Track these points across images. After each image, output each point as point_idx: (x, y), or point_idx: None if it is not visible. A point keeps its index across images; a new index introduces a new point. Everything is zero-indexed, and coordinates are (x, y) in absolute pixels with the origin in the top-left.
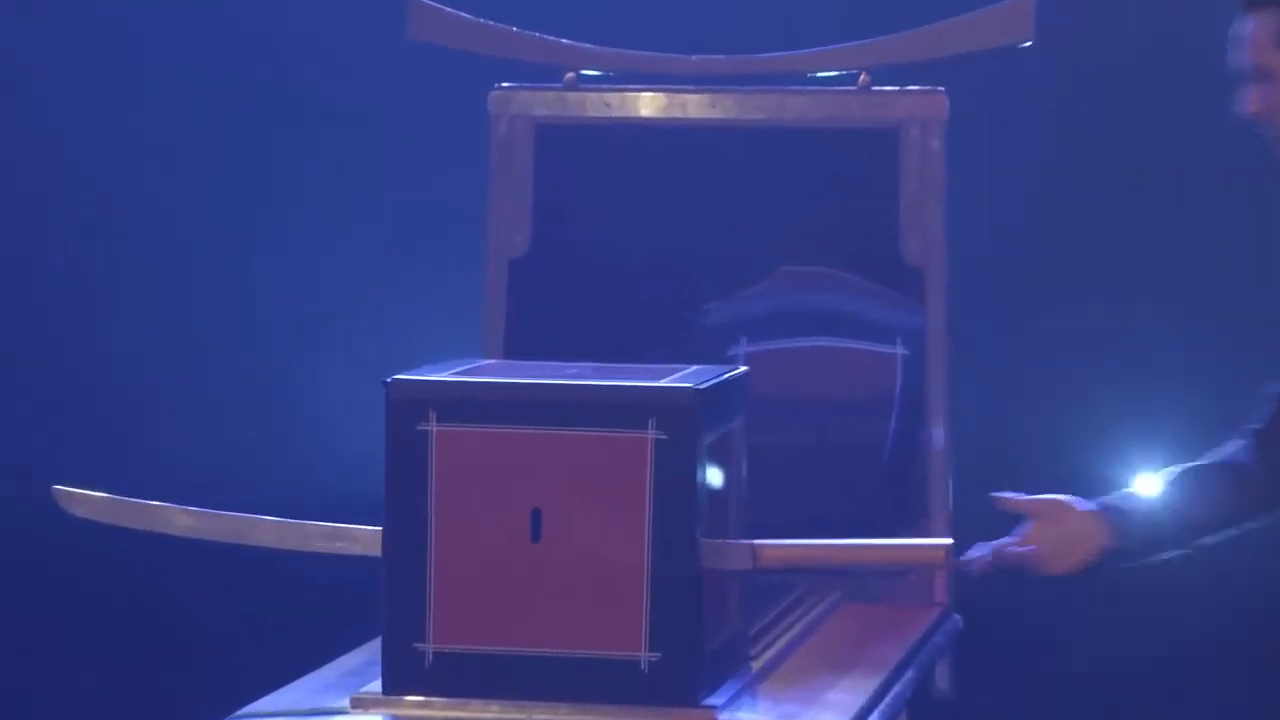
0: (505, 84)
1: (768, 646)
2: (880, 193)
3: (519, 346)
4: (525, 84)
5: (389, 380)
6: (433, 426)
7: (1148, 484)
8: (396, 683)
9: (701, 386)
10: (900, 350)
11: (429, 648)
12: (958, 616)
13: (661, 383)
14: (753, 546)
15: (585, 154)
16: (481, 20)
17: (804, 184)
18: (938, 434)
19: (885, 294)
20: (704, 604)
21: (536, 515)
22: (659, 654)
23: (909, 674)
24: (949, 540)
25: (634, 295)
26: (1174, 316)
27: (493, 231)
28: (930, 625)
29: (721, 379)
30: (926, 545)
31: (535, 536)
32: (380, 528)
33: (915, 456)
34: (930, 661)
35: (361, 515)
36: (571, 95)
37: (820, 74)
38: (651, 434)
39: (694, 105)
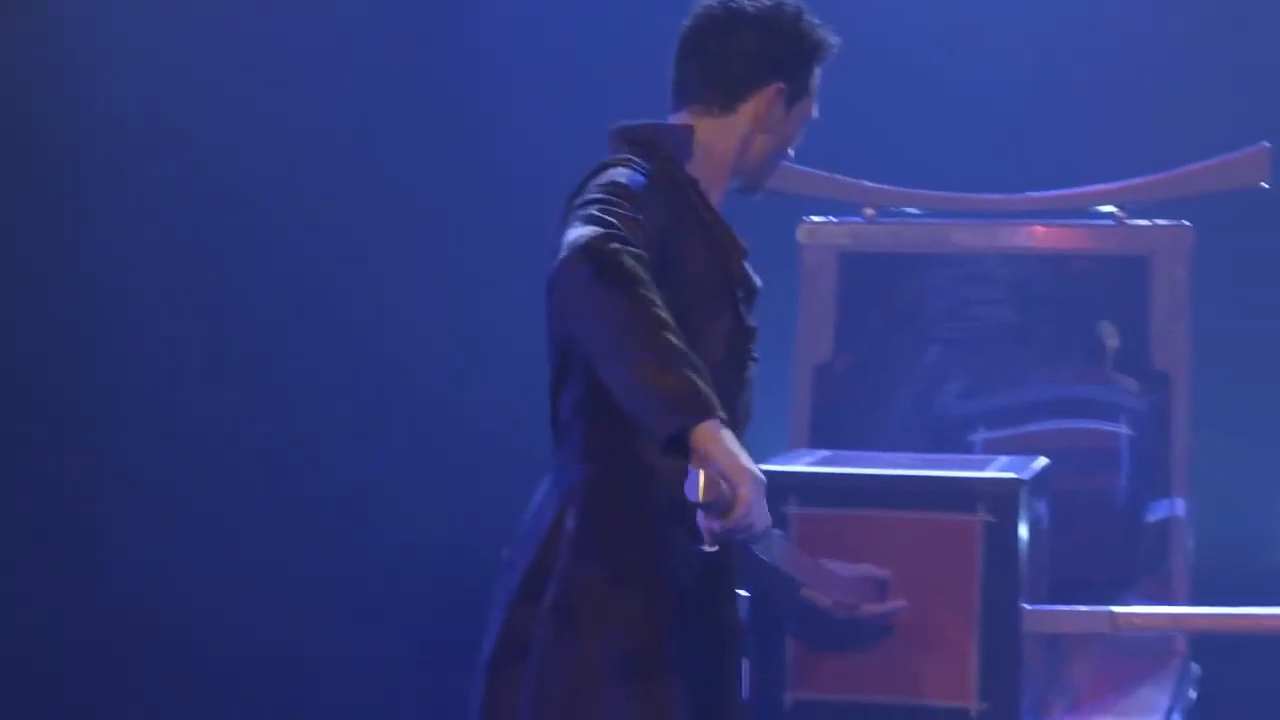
0: (812, 217)
1: (1058, 696)
2: (1134, 310)
3: (820, 436)
4: (830, 218)
5: None
6: (794, 509)
7: None
8: None
9: (1023, 476)
10: (1124, 429)
11: (789, 696)
12: (1195, 665)
13: (988, 473)
14: (1111, 613)
15: (879, 277)
16: (794, 165)
17: (1065, 303)
18: (1179, 504)
19: (1109, 378)
20: (1023, 662)
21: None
22: (987, 704)
23: (1177, 717)
24: None
25: (909, 395)
26: None
27: (801, 342)
28: (1179, 673)
29: (1036, 469)
30: (1268, 615)
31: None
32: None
33: (1144, 523)
34: (1185, 706)
35: None
36: (869, 228)
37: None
38: (981, 517)
39: (972, 236)
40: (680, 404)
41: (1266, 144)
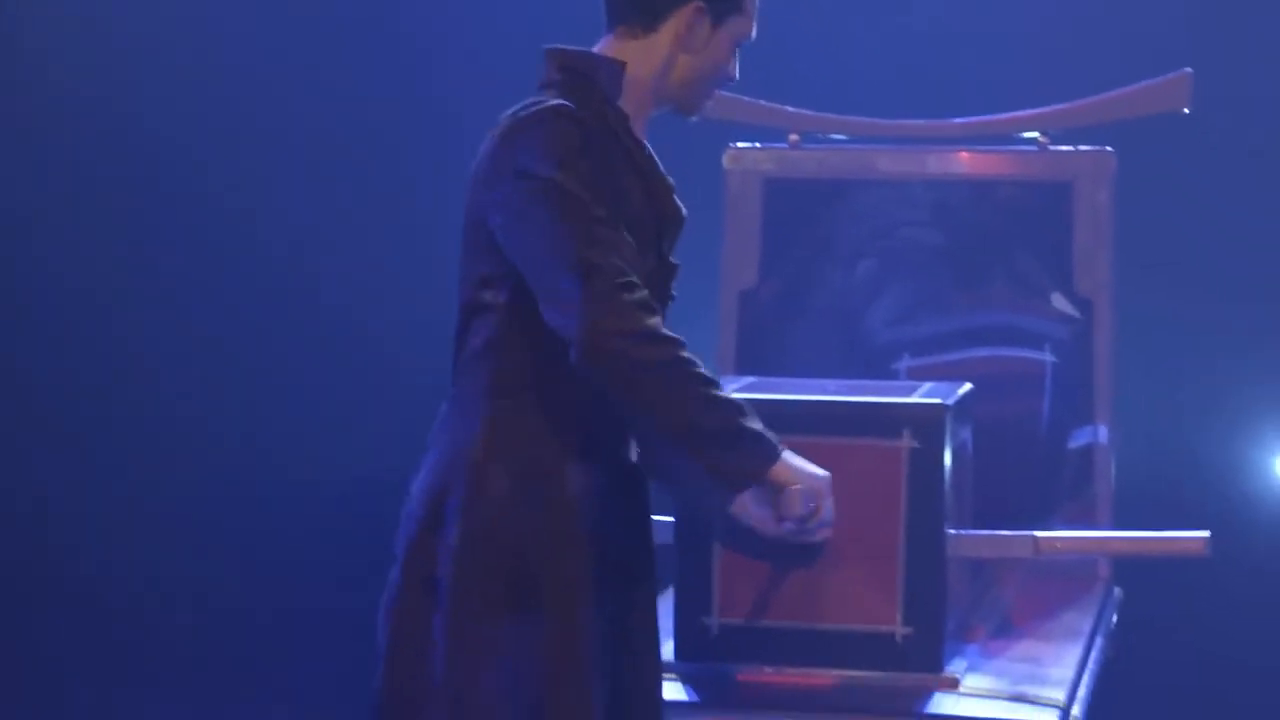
0: (738, 144)
1: (982, 620)
2: (1057, 236)
3: (746, 362)
4: (755, 144)
5: None
6: None
7: None
8: (687, 650)
9: (948, 401)
10: (1048, 356)
11: (715, 621)
12: (1118, 589)
13: (913, 398)
14: (1034, 538)
15: (804, 203)
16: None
17: (989, 229)
18: (1102, 430)
19: (1035, 307)
20: (947, 586)
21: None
22: (911, 628)
23: (1099, 641)
24: (1206, 533)
25: (834, 321)
26: None
27: (726, 268)
28: (1102, 597)
29: (960, 395)
30: (1187, 538)
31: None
32: (672, 519)
33: (1068, 449)
34: (1108, 630)
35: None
36: (794, 154)
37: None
38: (906, 442)
39: (897, 162)
40: (751, 471)
41: (1188, 69)
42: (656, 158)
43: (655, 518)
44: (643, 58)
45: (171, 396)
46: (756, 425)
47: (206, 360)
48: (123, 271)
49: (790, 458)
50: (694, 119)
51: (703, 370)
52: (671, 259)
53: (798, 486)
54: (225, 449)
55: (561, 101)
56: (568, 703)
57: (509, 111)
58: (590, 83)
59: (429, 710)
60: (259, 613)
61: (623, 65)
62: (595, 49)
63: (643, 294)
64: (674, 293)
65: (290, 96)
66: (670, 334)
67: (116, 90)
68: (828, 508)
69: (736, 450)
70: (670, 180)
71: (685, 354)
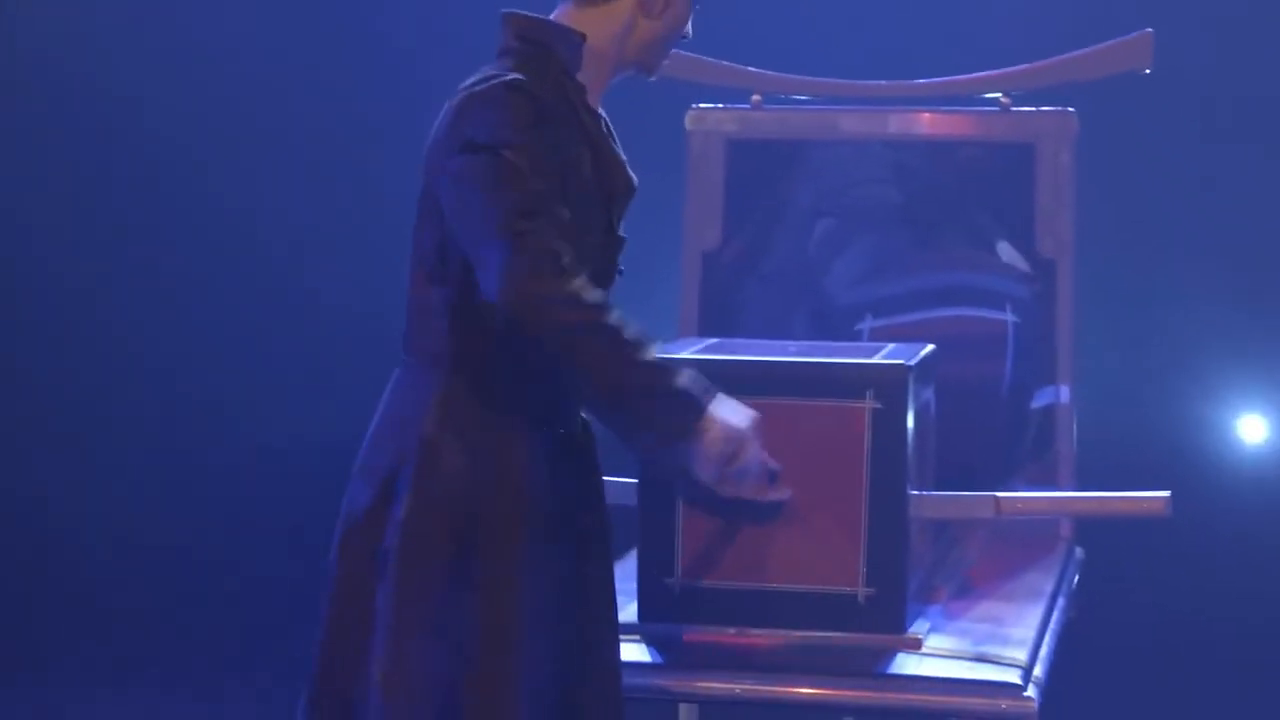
0: (700, 104)
1: (945, 581)
2: (1019, 197)
3: (709, 323)
4: (717, 105)
5: None
6: None
7: None
8: (649, 611)
9: (910, 362)
10: (1010, 317)
11: (677, 582)
12: (1079, 549)
13: (875, 359)
14: (996, 499)
15: (767, 164)
16: (681, 51)
17: (951, 190)
18: (1064, 391)
19: (997, 268)
20: (909, 547)
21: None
22: (873, 589)
23: (1061, 601)
24: (1167, 493)
25: (797, 282)
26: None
27: (688, 229)
28: (1064, 558)
29: (922, 356)
30: (1148, 498)
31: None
32: (635, 480)
33: (1030, 409)
34: (1069, 590)
35: None
36: (756, 114)
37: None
38: (868, 403)
39: (859, 123)
40: (677, 426)
41: (1150, 29)
42: (612, 129)
43: (618, 480)
44: (603, 25)
45: (172, 396)
46: (682, 383)
47: (207, 360)
48: (121, 270)
49: (716, 411)
50: (653, 78)
51: (627, 334)
52: (620, 232)
53: (712, 434)
54: (225, 450)
55: (516, 76)
56: (492, 681)
57: (466, 83)
58: (549, 53)
59: (363, 683)
60: (260, 613)
61: (583, 37)
62: (554, 15)
63: (569, 261)
64: (621, 266)
65: (286, 94)
66: (595, 299)
67: (114, 90)
68: (749, 456)
69: (661, 408)
70: (622, 154)
71: (610, 318)
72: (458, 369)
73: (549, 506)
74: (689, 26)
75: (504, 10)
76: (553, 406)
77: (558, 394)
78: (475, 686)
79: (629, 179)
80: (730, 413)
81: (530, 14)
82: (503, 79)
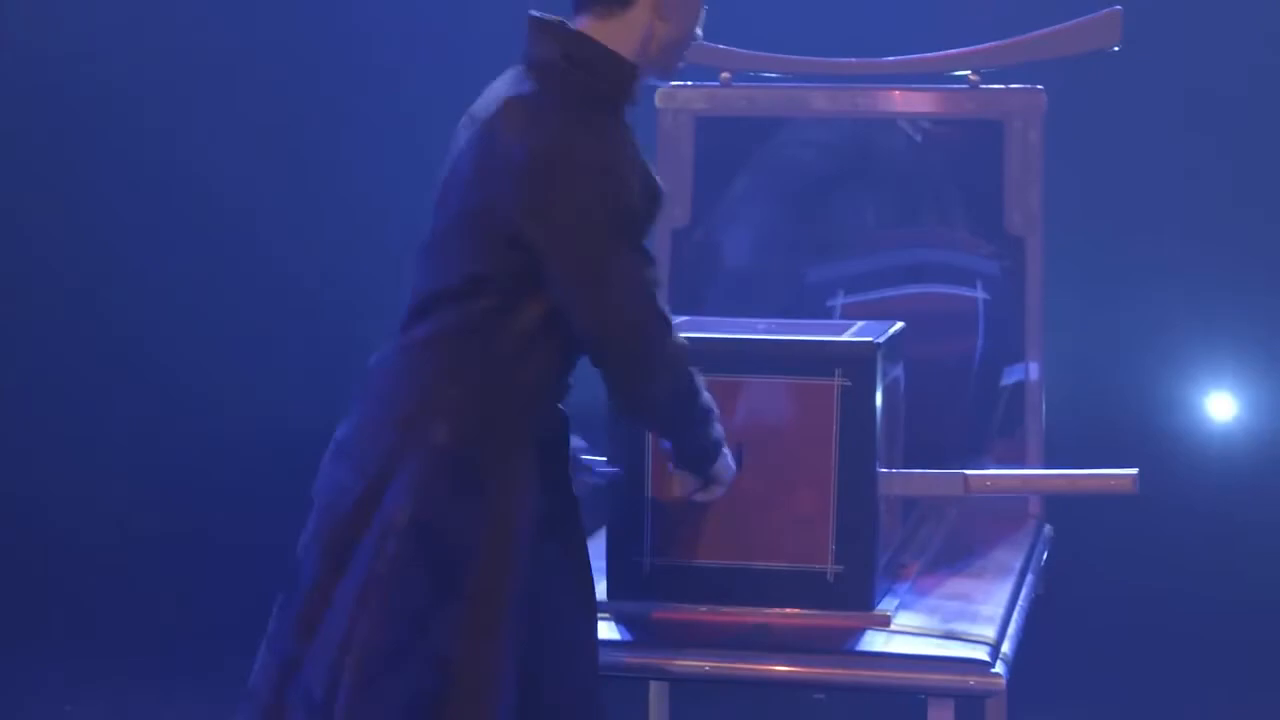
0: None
1: (913, 558)
2: (988, 174)
3: (678, 302)
4: (686, 83)
5: None
6: None
7: None
8: (619, 589)
9: (879, 339)
10: (979, 294)
11: (647, 560)
12: (1049, 526)
13: (844, 337)
14: (965, 476)
15: (736, 142)
16: None
17: (921, 167)
18: (1033, 368)
19: (967, 245)
20: (879, 524)
21: (739, 449)
22: (842, 566)
23: (1029, 577)
24: (1136, 471)
25: (767, 260)
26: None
27: None
28: (1033, 535)
29: (890, 333)
30: (1117, 475)
31: (739, 468)
32: (603, 459)
33: (999, 386)
34: (1038, 567)
35: None
36: (725, 92)
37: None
38: (838, 381)
39: (829, 100)
40: (698, 468)
41: (1118, 7)
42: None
43: (589, 458)
44: (624, 37)
45: (172, 396)
46: (719, 433)
47: (207, 360)
48: (121, 270)
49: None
50: (670, 82)
51: (703, 400)
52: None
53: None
54: (226, 448)
55: (592, 115)
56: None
57: (520, 104)
58: (596, 76)
59: (316, 652)
60: (260, 613)
61: (620, 58)
62: (576, 28)
63: (682, 341)
64: None
65: (285, 94)
66: (694, 378)
67: (112, 88)
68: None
69: (702, 457)
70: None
71: (699, 392)
72: (483, 378)
73: (538, 517)
74: (699, 26)
75: (538, 15)
76: (549, 419)
77: (555, 404)
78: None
79: (662, 193)
80: (722, 462)
81: (580, 31)
82: (589, 124)
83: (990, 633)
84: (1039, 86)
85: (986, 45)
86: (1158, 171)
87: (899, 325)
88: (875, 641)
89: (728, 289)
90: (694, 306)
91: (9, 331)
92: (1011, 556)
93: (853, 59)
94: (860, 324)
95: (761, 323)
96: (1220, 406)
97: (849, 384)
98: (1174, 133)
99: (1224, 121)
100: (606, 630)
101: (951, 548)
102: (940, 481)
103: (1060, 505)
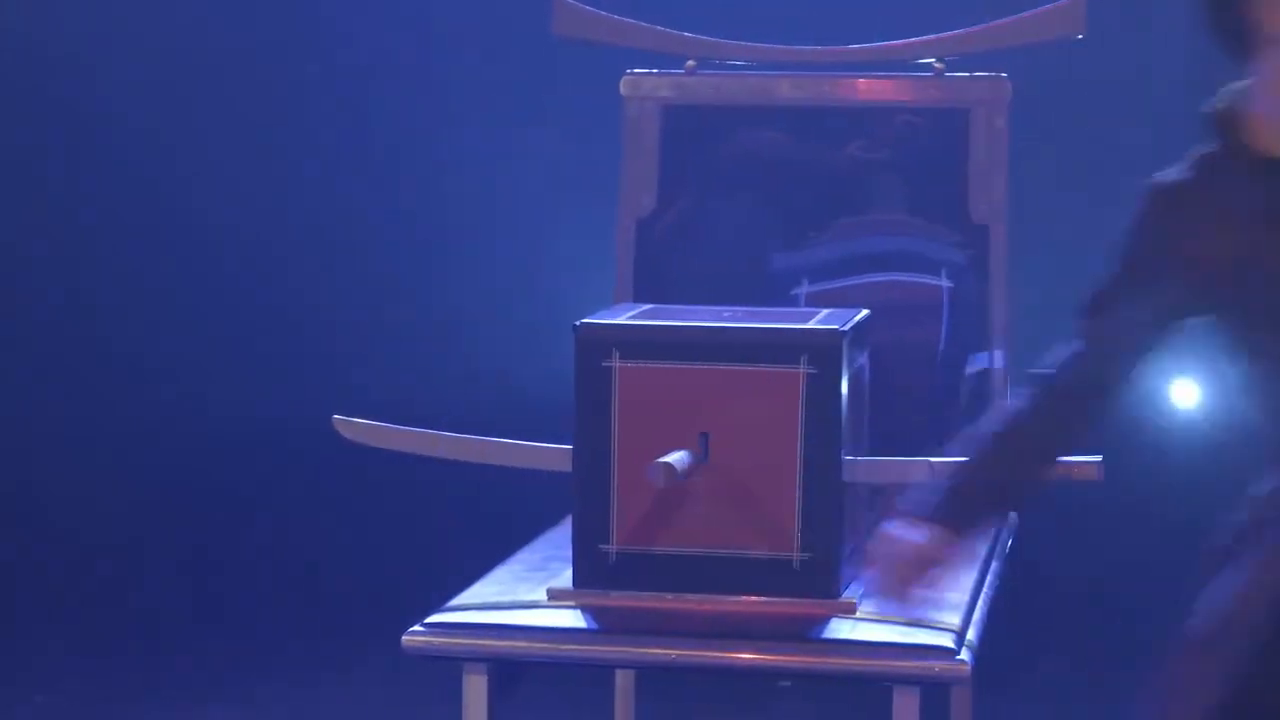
0: (635, 70)
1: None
2: (953, 162)
3: (644, 290)
4: (652, 70)
5: (578, 324)
6: (616, 363)
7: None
8: (585, 578)
9: (844, 327)
10: (945, 282)
11: (613, 549)
12: (1013, 514)
13: (810, 325)
14: (930, 463)
15: (702, 130)
16: (616, 16)
17: (887, 155)
18: (998, 356)
19: (932, 233)
20: (844, 512)
21: (705, 438)
22: (808, 554)
23: (995, 565)
24: (1099, 458)
25: (732, 248)
26: None
27: (624, 195)
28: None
29: (856, 321)
30: (1081, 463)
31: (704, 456)
32: (570, 447)
33: (964, 374)
34: (1003, 554)
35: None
36: (690, 80)
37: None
38: (803, 369)
39: (794, 88)
40: None
41: None
42: None
43: (554, 446)
44: None
45: (172, 396)
46: None
47: (207, 360)
48: (121, 271)
49: None
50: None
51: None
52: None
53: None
54: (226, 449)
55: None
56: None
57: None
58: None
59: None
60: (260, 613)
61: None
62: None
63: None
64: None
65: (284, 94)
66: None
67: (109, 89)
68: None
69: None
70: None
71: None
72: None
73: None
74: None
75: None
76: None
77: None
78: None
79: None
80: None
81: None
82: None
83: (955, 620)
84: (1004, 74)
85: (951, 33)
86: (1122, 159)
87: (865, 313)
88: (841, 629)
89: (693, 277)
90: (659, 295)
91: (9, 331)
92: (976, 544)
93: (818, 47)
94: (826, 312)
95: (727, 310)
96: (1183, 393)
97: (814, 372)
98: (1138, 120)
99: (1189, 109)
100: (571, 618)
101: None
102: (905, 468)
103: None
